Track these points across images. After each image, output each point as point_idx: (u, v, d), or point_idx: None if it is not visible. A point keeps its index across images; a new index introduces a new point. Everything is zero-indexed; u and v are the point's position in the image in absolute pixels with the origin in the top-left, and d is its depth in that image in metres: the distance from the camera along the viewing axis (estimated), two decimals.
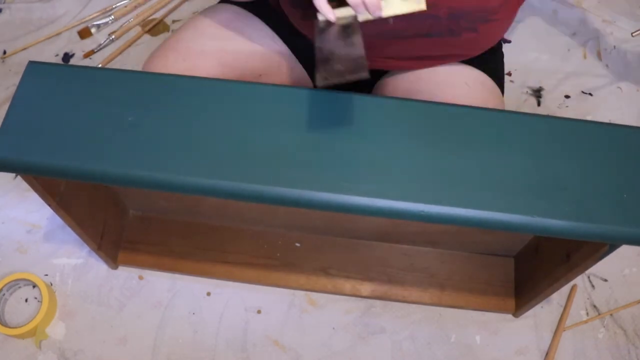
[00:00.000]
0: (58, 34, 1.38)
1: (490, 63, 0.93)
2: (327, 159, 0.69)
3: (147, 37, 1.40)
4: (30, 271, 1.09)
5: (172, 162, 0.68)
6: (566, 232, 0.67)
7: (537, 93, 1.34)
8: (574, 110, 1.31)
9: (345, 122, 0.72)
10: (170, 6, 1.43)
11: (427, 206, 0.67)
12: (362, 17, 0.68)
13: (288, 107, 0.72)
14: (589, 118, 1.29)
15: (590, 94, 1.34)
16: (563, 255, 0.89)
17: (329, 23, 0.67)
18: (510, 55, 1.22)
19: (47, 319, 1.05)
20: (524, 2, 0.85)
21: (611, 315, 1.10)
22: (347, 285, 1.09)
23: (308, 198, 0.67)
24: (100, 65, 1.33)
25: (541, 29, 1.42)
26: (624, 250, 0.87)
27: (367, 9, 0.65)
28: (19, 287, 1.08)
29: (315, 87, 0.72)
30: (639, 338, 1.08)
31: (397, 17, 0.69)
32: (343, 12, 0.68)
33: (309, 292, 1.10)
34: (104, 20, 1.40)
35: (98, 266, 1.11)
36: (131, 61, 1.36)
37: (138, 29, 1.40)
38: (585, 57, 1.38)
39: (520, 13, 0.96)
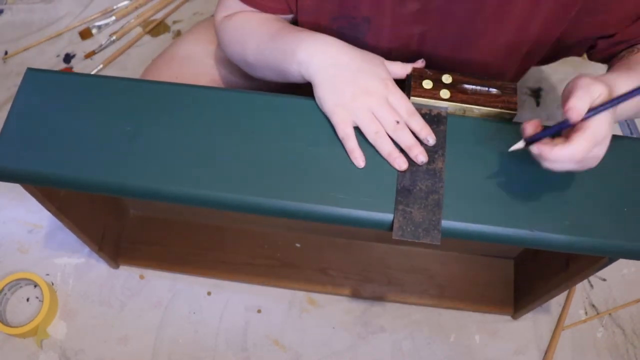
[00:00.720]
0: (59, 35, 1.39)
1: None
2: (325, 170, 0.68)
3: (147, 37, 1.40)
4: (32, 271, 1.09)
5: (171, 173, 0.68)
6: (566, 247, 0.66)
7: (536, 94, 1.34)
8: None
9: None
10: (171, 7, 1.44)
11: None
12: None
13: (291, 117, 0.71)
14: None
15: None
16: (562, 261, 0.89)
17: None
18: None
19: (48, 319, 1.05)
20: None
21: (610, 314, 1.10)
22: (347, 285, 1.09)
23: (307, 211, 0.67)
24: (101, 66, 1.34)
25: None
26: None
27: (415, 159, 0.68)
28: (20, 287, 1.09)
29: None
30: (637, 337, 1.08)
31: None
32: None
33: (308, 292, 1.10)
34: (104, 21, 1.40)
35: (99, 266, 1.11)
36: (132, 62, 1.36)
37: (139, 29, 1.41)
38: (584, 57, 1.38)
39: None
